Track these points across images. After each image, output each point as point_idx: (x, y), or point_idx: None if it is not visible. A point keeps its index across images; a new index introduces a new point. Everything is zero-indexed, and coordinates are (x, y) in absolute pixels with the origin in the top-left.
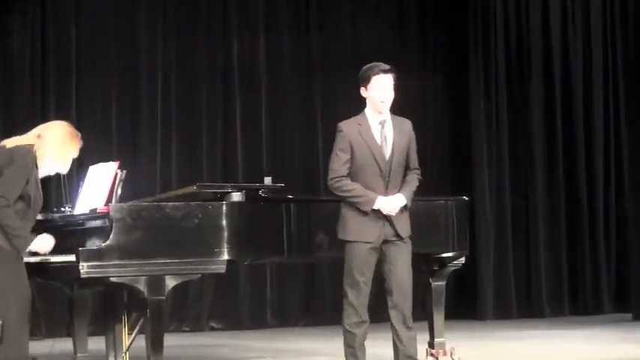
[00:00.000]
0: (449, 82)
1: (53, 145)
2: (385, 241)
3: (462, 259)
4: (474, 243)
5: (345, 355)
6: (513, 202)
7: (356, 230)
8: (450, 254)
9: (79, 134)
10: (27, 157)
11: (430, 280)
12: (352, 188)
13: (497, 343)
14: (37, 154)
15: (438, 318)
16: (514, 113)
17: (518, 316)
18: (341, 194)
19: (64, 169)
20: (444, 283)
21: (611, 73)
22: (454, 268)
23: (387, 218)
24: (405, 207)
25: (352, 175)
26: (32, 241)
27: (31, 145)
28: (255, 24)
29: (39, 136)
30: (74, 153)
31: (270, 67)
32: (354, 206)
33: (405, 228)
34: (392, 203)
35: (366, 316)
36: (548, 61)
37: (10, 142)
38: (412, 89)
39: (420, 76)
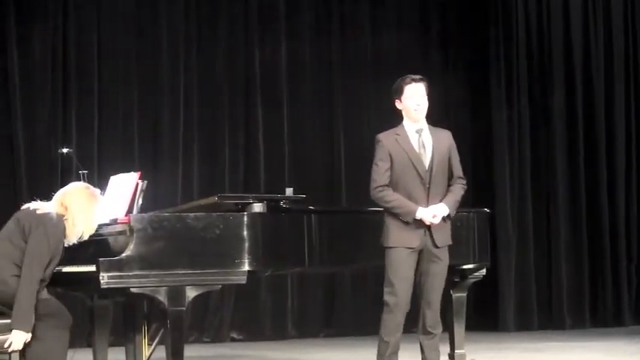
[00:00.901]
0: (470, 90)
1: (81, 213)
2: (424, 249)
3: (483, 271)
4: (495, 254)
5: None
6: (535, 213)
7: (398, 237)
8: (471, 266)
9: (98, 192)
10: (58, 226)
11: (451, 291)
12: (394, 199)
13: (518, 354)
14: (67, 224)
15: (459, 329)
16: (535, 122)
17: (539, 328)
18: (383, 204)
19: (92, 232)
20: (465, 294)
21: (633, 80)
22: (475, 279)
23: (428, 227)
24: (448, 217)
25: (393, 184)
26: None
27: (61, 216)
28: (277, 33)
29: (64, 206)
30: (99, 215)
31: (292, 76)
32: (396, 216)
33: (443, 238)
34: (434, 212)
35: (402, 323)
36: (569, 69)
37: (39, 208)
38: (433, 97)
39: (442, 83)
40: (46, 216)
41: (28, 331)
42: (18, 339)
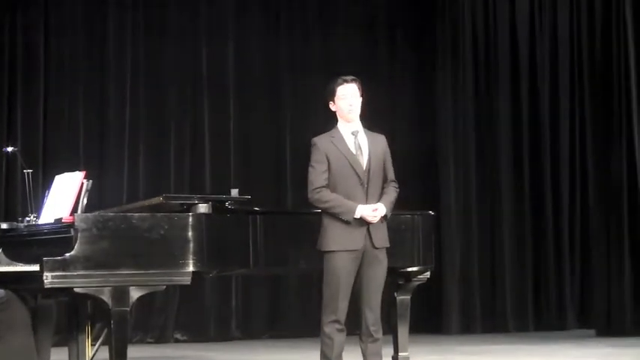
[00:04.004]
0: (417, 94)
1: None
2: (365, 251)
3: (428, 274)
4: (439, 257)
5: None
6: (479, 216)
7: (339, 239)
8: (415, 268)
9: None
10: None
11: (395, 294)
12: (332, 198)
13: (462, 357)
14: None
15: (403, 332)
16: (481, 127)
17: (482, 331)
18: (321, 205)
19: None
20: (409, 297)
21: (578, 87)
22: (419, 282)
23: (367, 228)
24: (384, 217)
25: (332, 186)
26: None
27: None
28: (225, 31)
29: None
30: None
31: (239, 76)
32: (336, 216)
33: (382, 238)
34: (374, 207)
35: (343, 325)
36: (515, 77)
37: None
38: (380, 100)
39: (389, 86)
40: None
41: None
42: None
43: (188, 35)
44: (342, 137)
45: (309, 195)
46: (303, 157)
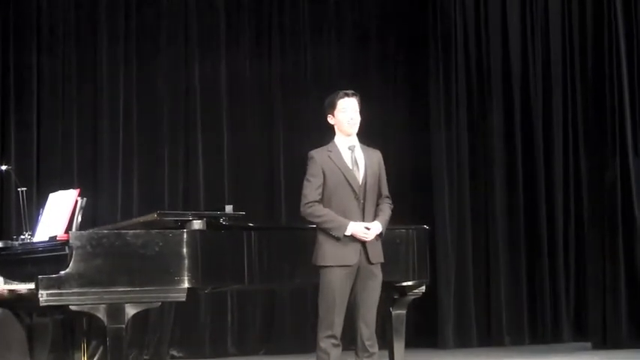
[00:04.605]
0: (410, 108)
1: None
2: (360, 266)
3: (423, 288)
4: (434, 272)
5: None
6: (474, 232)
7: (333, 255)
8: (410, 283)
9: None
10: None
11: (390, 308)
12: (323, 214)
13: None
14: None
15: (399, 347)
16: (474, 141)
17: (478, 345)
18: (313, 220)
19: None
20: (404, 311)
21: (570, 98)
22: (414, 296)
23: (362, 243)
24: (379, 235)
25: (327, 201)
26: None
27: None
28: (217, 49)
29: None
30: None
31: (232, 92)
32: (327, 232)
33: (377, 254)
34: (366, 226)
35: (339, 340)
36: (508, 89)
37: None
38: (373, 114)
39: (382, 100)
40: None
41: None
42: None
43: (180, 53)
44: (339, 151)
45: (302, 209)
46: (296, 174)
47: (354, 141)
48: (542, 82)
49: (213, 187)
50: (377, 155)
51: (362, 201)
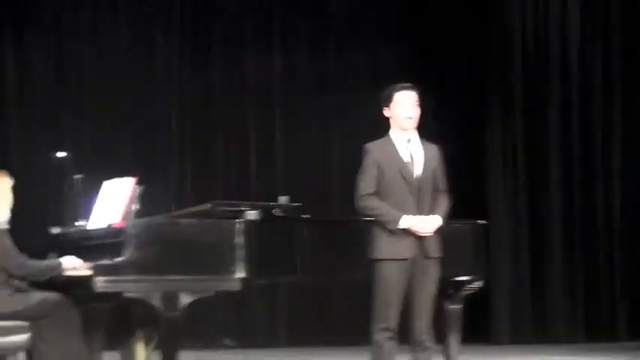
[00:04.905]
0: (466, 106)
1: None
2: (416, 260)
3: (480, 283)
4: (489, 266)
5: None
6: (530, 227)
7: (388, 248)
8: (466, 278)
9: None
10: None
11: (445, 303)
12: (377, 206)
13: None
14: None
15: (454, 342)
16: (530, 136)
17: (533, 341)
18: (367, 212)
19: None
20: (459, 306)
21: (630, 100)
22: (470, 291)
23: (418, 237)
24: (439, 229)
25: (382, 194)
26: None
27: None
28: (271, 44)
29: None
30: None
31: (286, 86)
32: (381, 225)
33: (434, 249)
34: (426, 223)
35: (394, 333)
36: (566, 89)
37: None
38: (429, 111)
39: (438, 98)
40: None
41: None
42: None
43: (234, 45)
44: (395, 145)
45: (356, 201)
46: (349, 167)
47: (411, 135)
48: (602, 79)
49: (265, 179)
50: (435, 150)
51: (417, 195)
